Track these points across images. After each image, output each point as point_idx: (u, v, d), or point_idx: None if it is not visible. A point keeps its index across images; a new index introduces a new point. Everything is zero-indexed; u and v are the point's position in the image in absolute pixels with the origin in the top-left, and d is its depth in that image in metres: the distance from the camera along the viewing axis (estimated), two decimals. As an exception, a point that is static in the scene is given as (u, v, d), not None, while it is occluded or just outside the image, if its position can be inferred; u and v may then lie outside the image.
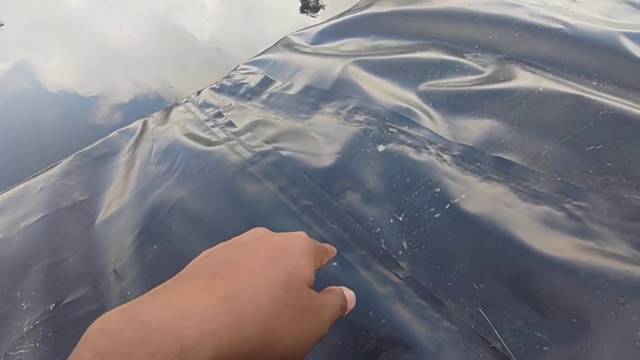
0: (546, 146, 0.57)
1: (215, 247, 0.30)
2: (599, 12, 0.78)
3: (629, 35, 0.68)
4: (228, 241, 0.31)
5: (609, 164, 0.54)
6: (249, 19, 2.28)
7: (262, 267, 0.26)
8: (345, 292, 0.34)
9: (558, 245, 0.47)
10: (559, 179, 0.54)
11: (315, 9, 2.29)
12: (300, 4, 2.39)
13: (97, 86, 1.72)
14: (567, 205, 0.52)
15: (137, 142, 0.72)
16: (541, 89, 0.61)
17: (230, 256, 0.27)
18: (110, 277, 0.58)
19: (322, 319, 0.29)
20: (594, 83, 0.64)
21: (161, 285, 0.25)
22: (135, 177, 0.66)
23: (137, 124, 0.76)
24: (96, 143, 0.77)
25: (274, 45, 0.84)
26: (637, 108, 0.58)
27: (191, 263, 0.28)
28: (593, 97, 0.59)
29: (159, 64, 1.85)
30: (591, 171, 0.54)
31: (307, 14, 2.27)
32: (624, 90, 0.63)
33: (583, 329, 0.42)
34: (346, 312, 0.34)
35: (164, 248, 0.56)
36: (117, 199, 0.65)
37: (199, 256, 0.29)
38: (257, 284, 0.25)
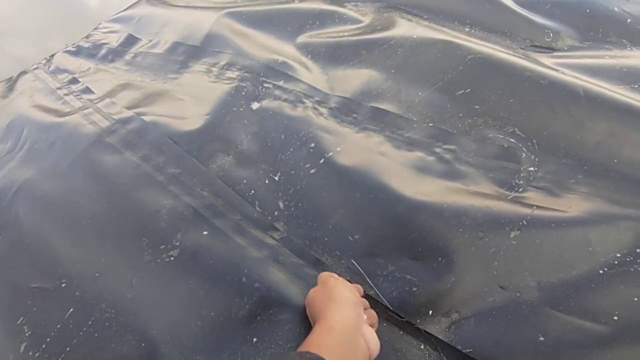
0: (420, 93, 0.57)
1: None
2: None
3: (497, -19, 0.69)
4: None
5: (476, 107, 0.56)
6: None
7: None
8: None
9: (427, 189, 0.48)
10: (431, 124, 0.55)
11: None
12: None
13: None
14: (438, 150, 0.53)
15: (-25, 120, 0.61)
16: (415, 36, 0.61)
17: None
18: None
19: None
20: (466, 29, 0.65)
21: None
22: (-27, 161, 0.56)
23: (-24, 99, 0.64)
24: None
25: (141, -1, 0.75)
26: (502, 51, 0.60)
27: None
28: (462, 42, 0.60)
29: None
30: (460, 115, 0.55)
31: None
32: (492, 35, 0.65)
33: (448, 266, 0.44)
34: None
35: (10, 239, 0.48)
36: (-47, 188, 0.55)
37: None
38: None
